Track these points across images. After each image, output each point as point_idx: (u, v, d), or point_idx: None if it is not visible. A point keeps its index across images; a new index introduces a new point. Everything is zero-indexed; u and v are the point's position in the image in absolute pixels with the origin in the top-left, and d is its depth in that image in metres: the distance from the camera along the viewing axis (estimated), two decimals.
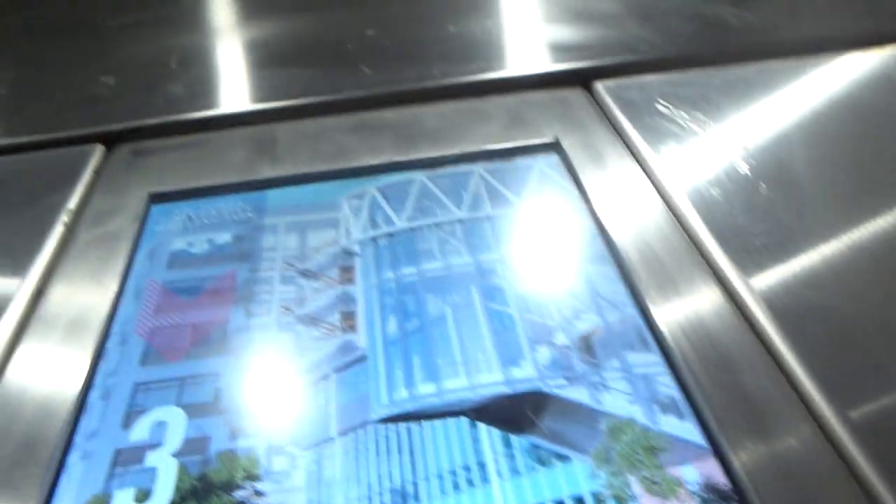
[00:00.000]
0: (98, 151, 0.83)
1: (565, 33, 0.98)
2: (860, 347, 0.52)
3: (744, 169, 0.71)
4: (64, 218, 0.72)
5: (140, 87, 0.94)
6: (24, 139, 0.87)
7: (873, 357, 0.51)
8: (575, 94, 0.88)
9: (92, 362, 0.55)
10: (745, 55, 0.91)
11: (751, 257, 0.59)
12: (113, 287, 0.63)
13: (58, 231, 0.70)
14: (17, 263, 0.66)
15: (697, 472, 0.45)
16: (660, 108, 0.82)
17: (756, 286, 0.56)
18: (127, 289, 0.63)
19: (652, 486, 0.44)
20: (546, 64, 0.91)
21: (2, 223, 0.72)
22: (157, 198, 0.74)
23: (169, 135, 0.85)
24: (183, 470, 0.47)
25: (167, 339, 0.58)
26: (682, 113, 0.80)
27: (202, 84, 0.93)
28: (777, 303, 0.55)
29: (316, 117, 0.86)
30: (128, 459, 0.49)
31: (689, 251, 0.62)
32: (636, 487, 0.44)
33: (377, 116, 0.85)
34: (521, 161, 0.76)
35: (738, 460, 0.45)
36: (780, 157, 0.73)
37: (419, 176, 0.75)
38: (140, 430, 0.51)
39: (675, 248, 0.63)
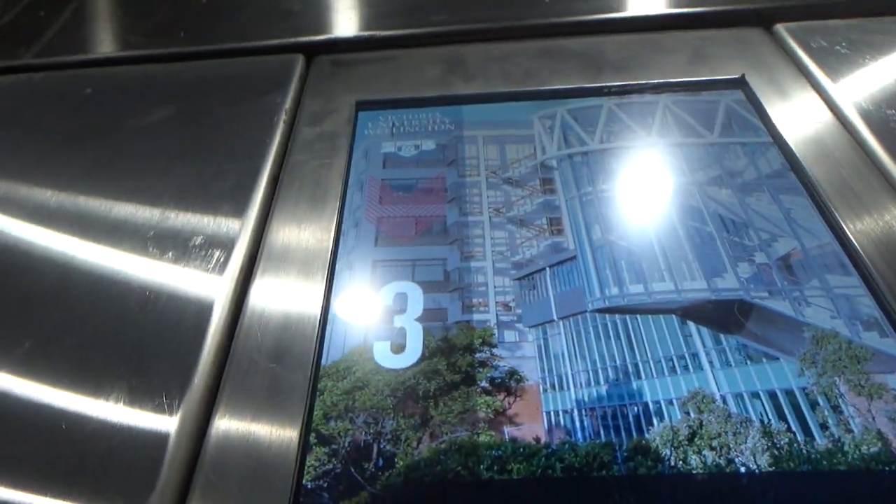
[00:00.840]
0: (300, 61, 0.90)
1: None
2: None
3: None
4: (283, 116, 0.80)
5: (335, 3, 1.00)
6: (230, 45, 0.95)
7: None
8: (756, 34, 0.88)
9: (334, 237, 0.64)
10: None
11: None
12: (339, 179, 0.71)
13: (280, 127, 0.78)
14: (252, 152, 0.74)
15: None
16: (842, 50, 0.82)
17: None
18: (351, 182, 0.71)
19: (858, 388, 0.48)
20: (729, 2, 0.91)
21: (231, 117, 0.81)
22: (363, 105, 0.81)
23: (363, 49, 0.92)
24: (428, 332, 0.55)
25: (394, 226, 0.65)
26: (865, 56, 0.80)
27: (394, 4, 0.98)
28: None
29: (501, 41, 0.90)
30: (379, 319, 0.57)
31: (878, 179, 0.64)
32: (843, 387, 0.49)
33: (560, 44, 0.89)
34: (706, 95, 0.78)
35: None
36: None
37: (607, 102, 0.78)
38: (385, 297, 0.58)
39: (864, 176, 0.65)
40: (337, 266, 0.61)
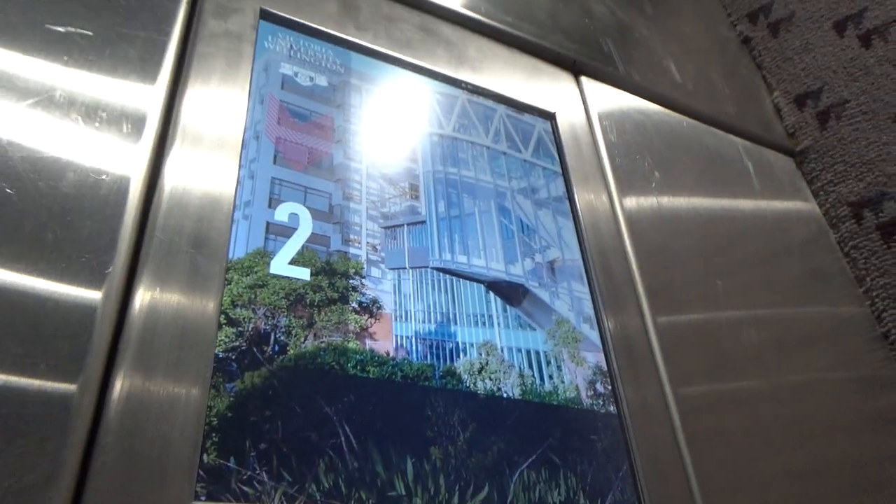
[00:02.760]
0: None
1: None
2: None
3: None
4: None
5: None
6: None
7: None
8: (569, 79, 1.15)
9: (242, 138, 0.72)
10: None
11: None
12: (244, 82, 0.77)
13: (180, 23, 0.80)
14: (157, 21, 0.75)
15: (595, 358, 0.79)
16: (626, 124, 1.13)
17: None
18: (253, 92, 0.78)
19: (573, 357, 0.78)
20: (555, 43, 1.16)
21: (129, 14, 0.79)
22: (267, 15, 0.86)
23: None
24: (314, 253, 0.69)
25: (290, 150, 0.76)
26: (640, 132, 1.12)
27: None
28: None
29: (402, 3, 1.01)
30: (277, 232, 0.69)
31: (614, 223, 0.96)
32: (565, 355, 0.78)
33: (438, 26, 1.03)
34: (527, 117, 1.02)
35: None
36: None
37: (462, 95, 0.97)
38: (281, 214, 0.70)
39: (608, 217, 0.96)
40: (241, 174, 0.70)
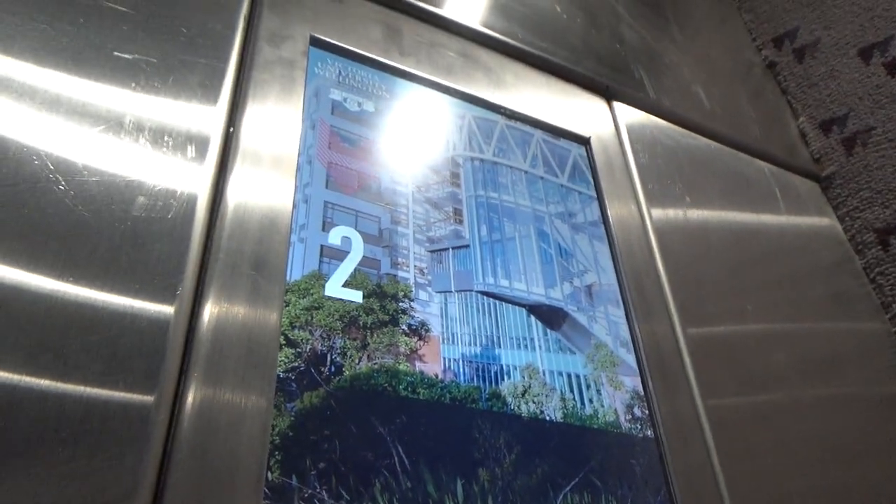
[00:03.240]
0: None
1: None
2: None
3: None
4: (241, 23, 0.84)
5: None
6: None
7: None
8: (603, 105, 1.17)
9: (296, 171, 0.74)
10: None
11: None
12: (298, 107, 0.80)
13: (241, 25, 0.82)
14: (216, 48, 0.78)
15: (631, 381, 0.81)
16: (658, 148, 1.15)
17: None
18: (304, 117, 0.80)
19: (611, 381, 0.79)
20: (589, 69, 1.18)
21: (189, 42, 0.82)
22: (317, 41, 0.89)
23: None
24: (365, 276, 0.71)
25: (341, 174, 0.78)
26: (672, 160, 1.14)
27: None
28: None
29: (430, 24, 1.03)
30: (331, 255, 0.71)
31: (649, 251, 0.98)
32: (604, 379, 0.79)
33: (477, 52, 1.06)
34: (563, 142, 1.04)
35: None
36: None
37: (501, 120, 0.99)
38: (335, 237, 0.72)
39: (642, 246, 0.98)
40: (296, 198, 0.73)
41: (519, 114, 1.02)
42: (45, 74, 0.64)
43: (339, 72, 0.88)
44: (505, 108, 1.01)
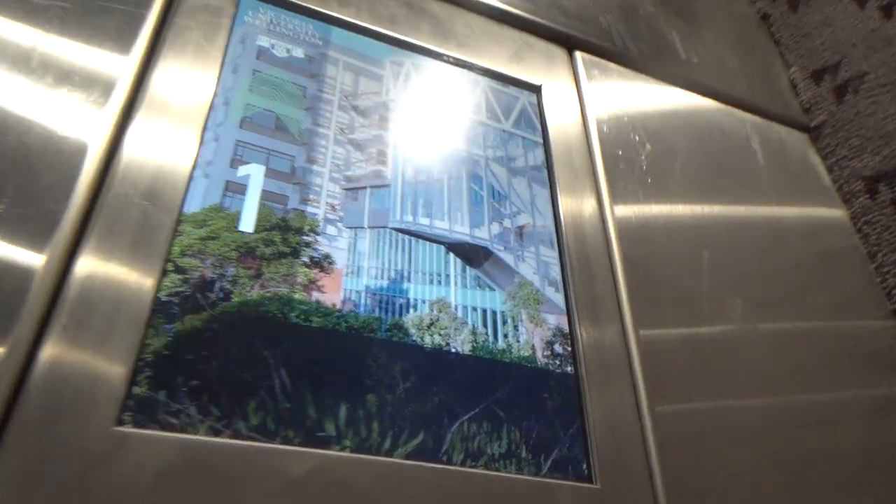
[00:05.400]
0: None
1: None
2: None
3: None
4: None
5: None
6: None
7: None
8: (562, 53, 1.12)
9: (210, 102, 0.74)
10: None
11: None
12: (218, 54, 0.80)
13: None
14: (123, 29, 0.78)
15: (556, 320, 0.78)
16: (617, 96, 1.10)
17: None
18: (227, 61, 0.80)
19: (532, 318, 0.76)
20: (547, 18, 1.13)
21: None
22: None
23: None
24: (270, 209, 0.71)
25: (256, 116, 0.78)
26: (631, 105, 1.09)
27: None
28: None
29: None
30: (234, 189, 0.70)
31: (594, 198, 0.93)
32: (524, 316, 0.76)
33: (424, 1, 1.03)
34: (513, 89, 1.01)
35: None
36: None
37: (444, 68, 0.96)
38: (242, 174, 0.72)
39: (588, 193, 0.93)
40: (205, 136, 0.72)
41: (466, 62, 0.99)
42: None
43: (271, 20, 0.87)
44: (449, 57, 0.98)
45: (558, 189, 0.91)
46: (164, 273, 0.61)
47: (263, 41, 0.85)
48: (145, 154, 0.67)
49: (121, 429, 0.52)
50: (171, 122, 0.71)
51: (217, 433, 0.55)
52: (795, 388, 0.90)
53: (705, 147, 1.14)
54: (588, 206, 0.92)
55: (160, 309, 0.59)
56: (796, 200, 1.19)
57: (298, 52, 0.87)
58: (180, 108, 0.73)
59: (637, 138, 1.07)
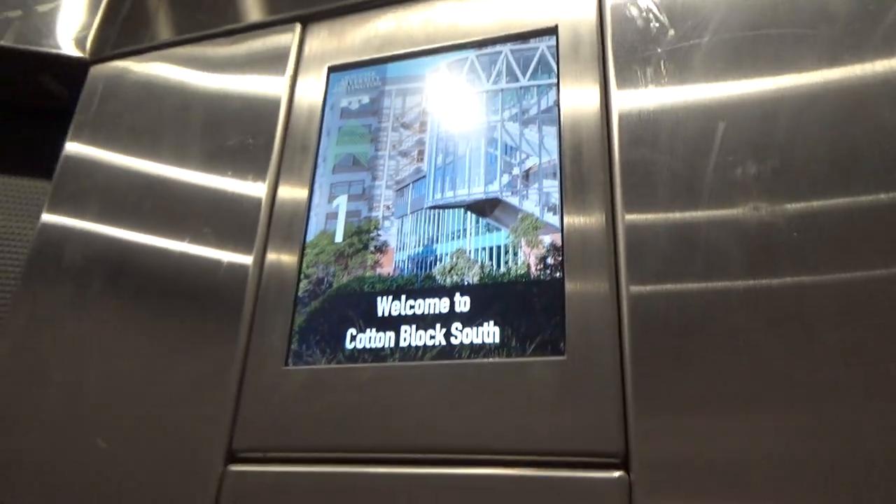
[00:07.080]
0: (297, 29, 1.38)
1: None
2: None
3: None
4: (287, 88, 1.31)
5: None
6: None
7: None
8: None
9: (313, 169, 1.20)
10: None
11: None
12: (314, 135, 1.24)
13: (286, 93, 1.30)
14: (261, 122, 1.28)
15: (550, 238, 1.00)
16: (650, 25, 1.15)
17: None
18: (322, 129, 1.24)
19: (530, 242, 1.01)
20: None
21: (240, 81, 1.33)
22: (333, 69, 1.30)
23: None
24: (351, 223, 1.13)
25: (341, 160, 1.20)
26: (658, 41, 1.13)
27: None
28: None
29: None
30: (331, 216, 1.15)
31: (603, 130, 1.07)
32: (523, 242, 1.02)
33: (441, 7, 1.28)
34: (532, 42, 1.18)
35: None
36: None
37: (469, 54, 1.21)
38: (334, 205, 1.16)
39: (597, 126, 1.08)
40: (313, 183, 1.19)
41: (488, 39, 1.22)
42: None
43: (349, 83, 1.28)
44: (468, 43, 1.22)
45: (562, 122, 1.08)
46: (299, 280, 1.11)
47: (344, 102, 1.26)
48: (285, 204, 1.18)
49: (286, 367, 1.04)
50: (297, 182, 1.20)
51: (330, 361, 1.02)
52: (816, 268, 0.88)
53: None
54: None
55: (299, 300, 1.09)
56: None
57: (365, 99, 1.25)
58: (298, 171, 1.21)
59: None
